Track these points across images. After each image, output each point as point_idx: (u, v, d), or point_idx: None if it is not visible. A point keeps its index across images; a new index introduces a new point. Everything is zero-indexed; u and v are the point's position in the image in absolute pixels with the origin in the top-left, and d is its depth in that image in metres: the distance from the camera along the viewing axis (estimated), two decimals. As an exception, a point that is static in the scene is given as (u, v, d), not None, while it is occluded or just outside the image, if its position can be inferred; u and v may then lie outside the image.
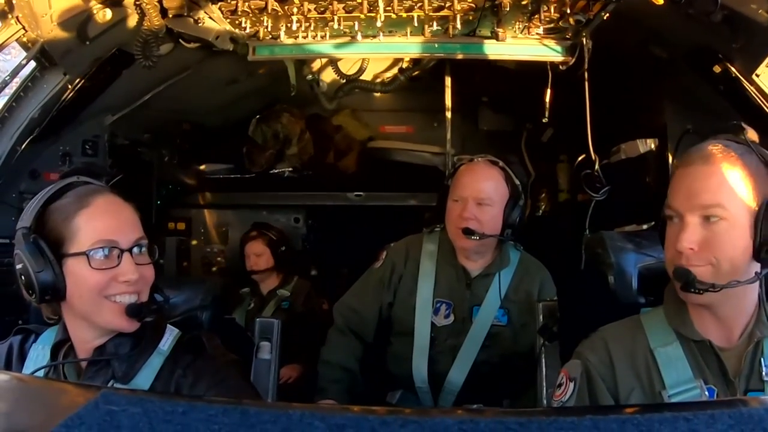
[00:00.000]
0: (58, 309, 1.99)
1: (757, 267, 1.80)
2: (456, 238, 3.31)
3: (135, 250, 1.91)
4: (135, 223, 1.96)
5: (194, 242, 6.57)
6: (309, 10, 3.62)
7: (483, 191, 3.26)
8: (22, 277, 1.90)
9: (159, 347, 2.01)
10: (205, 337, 2.06)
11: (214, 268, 6.52)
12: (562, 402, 1.98)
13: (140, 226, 1.96)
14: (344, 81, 5.26)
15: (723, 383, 1.88)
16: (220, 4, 3.52)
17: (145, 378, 1.95)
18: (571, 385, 1.98)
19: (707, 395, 1.86)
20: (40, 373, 1.98)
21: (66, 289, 1.88)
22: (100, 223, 1.90)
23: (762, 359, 1.86)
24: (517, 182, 3.35)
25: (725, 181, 1.78)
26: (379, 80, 5.46)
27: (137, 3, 3.36)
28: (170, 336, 2.06)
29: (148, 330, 2.01)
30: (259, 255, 5.33)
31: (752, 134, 1.88)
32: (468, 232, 3.21)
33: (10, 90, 3.72)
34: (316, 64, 5.09)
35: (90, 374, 1.95)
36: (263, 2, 3.52)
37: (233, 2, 3.51)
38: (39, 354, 2.04)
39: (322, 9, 3.63)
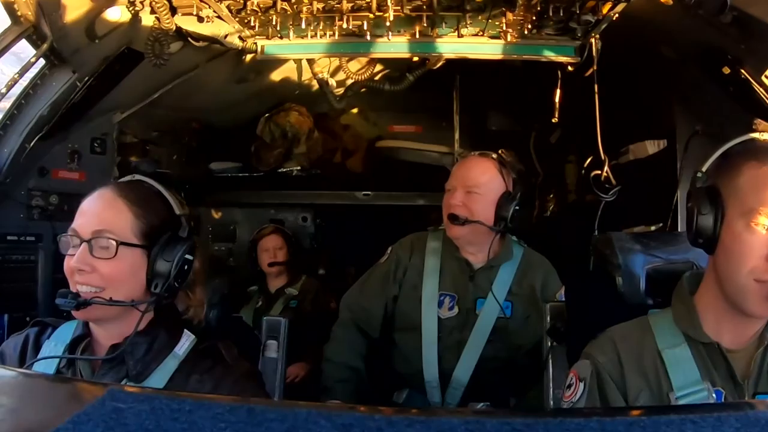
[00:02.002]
0: None
1: None
2: (447, 228, 3.34)
3: (95, 242, 1.90)
4: (104, 217, 1.93)
5: (202, 240, 6.59)
6: (318, 9, 3.62)
7: (471, 178, 3.28)
8: None
9: (175, 351, 2.01)
10: (223, 345, 2.05)
11: (221, 267, 6.53)
12: (573, 403, 1.96)
13: (115, 222, 1.92)
14: (353, 80, 5.27)
15: (731, 386, 1.85)
16: (228, 3, 3.53)
17: (158, 379, 1.95)
18: (581, 385, 1.96)
19: (715, 398, 1.83)
20: (51, 363, 2.00)
21: None
22: (79, 212, 1.97)
23: None
24: (514, 175, 3.36)
25: None
26: (387, 80, 5.47)
27: (147, 2, 3.37)
28: (187, 341, 2.06)
29: (163, 332, 2.02)
30: (279, 248, 5.35)
31: None
32: (453, 217, 3.23)
33: (19, 87, 3.73)
34: (325, 63, 5.10)
35: (104, 371, 1.95)
36: (271, 1, 3.53)
37: (242, 0, 3.52)
38: (51, 351, 2.04)
39: (330, 8, 3.63)
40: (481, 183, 3.28)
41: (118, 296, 1.92)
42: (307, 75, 5.16)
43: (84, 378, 1.96)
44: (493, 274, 3.39)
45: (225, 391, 1.94)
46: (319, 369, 3.50)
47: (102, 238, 1.90)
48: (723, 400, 1.84)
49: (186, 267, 2.00)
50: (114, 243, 1.89)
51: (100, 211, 1.95)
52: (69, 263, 1.90)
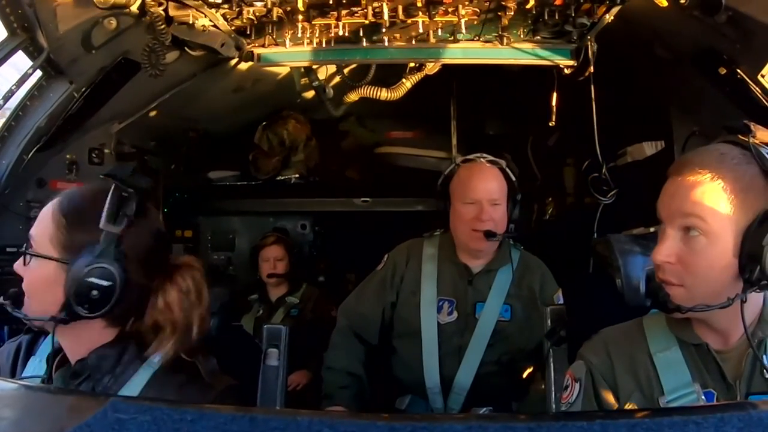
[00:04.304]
0: None
1: (739, 288, 1.70)
2: (471, 241, 3.32)
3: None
4: (36, 226, 1.85)
5: (201, 249, 6.60)
6: (313, 17, 3.62)
7: (494, 191, 3.30)
8: None
9: (150, 359, 1.88)
10: (200, 360, 1.92)
11: (221, 275, 6.53)
12: (570, 403, 1.97)
13: (37, 231, 1.83)
14: (350, 87, 5.27)
15: (723, 387, 1.84)
16: (224, 11, 3.53)
17: (130, 392, 1.83)
18: (577, 386, 1.97)
19: (704, 400, 1.83)
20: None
21: None
22: None
23: (765, 357, 1.81)
24: (513, 178, 3.40)
25: (710, 193, 1.69)
26: (384, 86, 5.47)
27: (143, 11, 3.37)
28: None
29: (133, 343, 1.90)
30: (279, 259, 5.34)
31: (763, 134, 1.74)
32: (490, 234, 3.23)
33: (16, 99, 3.73)
34: (322, 71, 5.10)
35: (72, 386, 1.87)
36: (266, 9, 3.53)
37: (237, 9, 3.52)
38: (36, 367, 1.99)
39: (326, 14, 3.63)
40: (501, 194, 3.33)
41: (35, 308, 1.82)
42: (304, 82, 5.15)
43: None
44: (491, 278, 3.40)
45: None
46: (321, 377, 3.50)
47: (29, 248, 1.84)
48: (714, 401, 1.83)
49: (95, 292, 1.76)
50: (24, 255, 1.83)
51: (37, 220, 1.88)
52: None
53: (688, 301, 1.75)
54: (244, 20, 3.64)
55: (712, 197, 1.69)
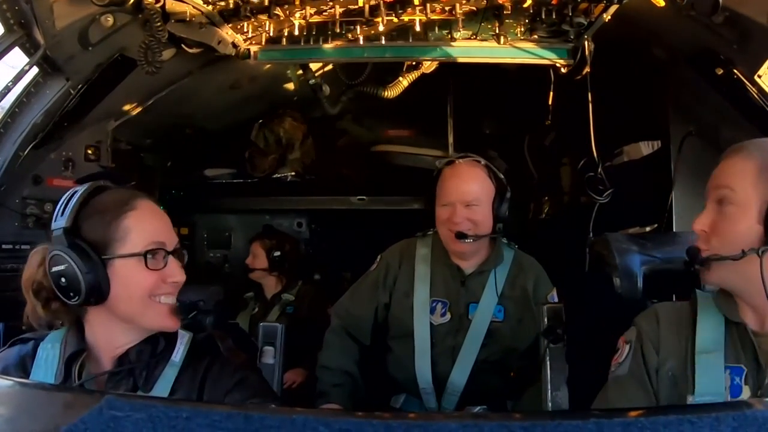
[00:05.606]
0: (76, 314, 1.99)
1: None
2: (449, 243, 3.32)
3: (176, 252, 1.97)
4: (172, 227, 2.01)
5: (197, 247, 6.60)
6: (311, 14, 3.62)
7: (470, 193, 3.27)
8: (63, 279, 1.86)
9: (171, 359, 2.00)
10: (218, 337, 2.08)
11: (217, 273, 6.53)
12: (619, 364, 2.10)
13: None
14: (346, 85, 5.27)
15: (754, 366, 1.92)
16: (221, 8, 3.52)
17: (163, 387, 1.95)
18: (627, 347, 2.10)
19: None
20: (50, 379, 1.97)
21: (109, 291, 1.88)
22: (150, 225, 1.96)
23: None
24: (501, 176, 3.37)
25: (740, 167, 1.90)
26: (381, 84, 5.47)
27: (139, 7, 3.36)
28: (182, 344, 2.05)
29: (162, 337, 2.02)
30: (254, 256, 5.35)
31: None
32: (460, 235, 3.21)
33: (12, 96, 3.72)
34: (319, 69, 5.09)
35: (111, 385, 1.94)
36: (262, 6, 3.52)
37: (234, 6, 3.52)
38: (48, 353, 2.01)
39: (323, 12, 3.63)
40: (478, 195, 3.27)
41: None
42: (300, 80, 5.15)
43: None
44: (484, 279, 3.38)
45: (225, 386, 1.96)
46: (316, 375, 3.50)
47: (179, 248, 2.04)
48: (743, 378, 1.90)
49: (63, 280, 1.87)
50: (185, 253, 2.07)
51: (170, 223, 2.07)
52: (154, 278, 1.93)
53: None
54: (242, 17, 3.64)
55: (742, 170, 1.90)
